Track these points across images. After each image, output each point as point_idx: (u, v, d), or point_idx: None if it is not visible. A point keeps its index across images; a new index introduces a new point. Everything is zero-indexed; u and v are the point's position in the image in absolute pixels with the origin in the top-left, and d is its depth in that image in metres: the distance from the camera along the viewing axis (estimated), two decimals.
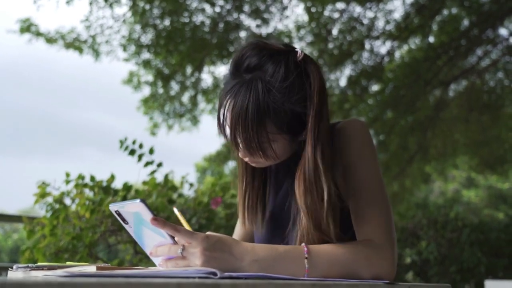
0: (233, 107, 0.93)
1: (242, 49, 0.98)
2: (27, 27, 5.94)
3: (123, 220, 0.85)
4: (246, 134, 0.93)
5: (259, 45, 0.98)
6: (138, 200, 0.79)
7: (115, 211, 0.84)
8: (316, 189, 0.93)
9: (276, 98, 0.92)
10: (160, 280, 0.50)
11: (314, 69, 0.98)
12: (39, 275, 0.83)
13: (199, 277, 0.66)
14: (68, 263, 1.03)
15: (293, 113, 0.95)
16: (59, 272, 0.72)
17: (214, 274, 0.68)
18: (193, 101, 7.44)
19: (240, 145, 0.97)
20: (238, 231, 1.26)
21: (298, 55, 0.98)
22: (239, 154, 1.02)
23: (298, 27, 6.69)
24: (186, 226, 0.95)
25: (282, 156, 1.01)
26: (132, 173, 2.65)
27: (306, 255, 0.83)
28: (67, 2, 5.30)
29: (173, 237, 0.82)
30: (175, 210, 0.99)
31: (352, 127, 1.04)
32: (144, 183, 2.65)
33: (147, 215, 0.79)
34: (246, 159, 1.04)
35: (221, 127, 0.98)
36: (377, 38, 6.83)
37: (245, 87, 0.93)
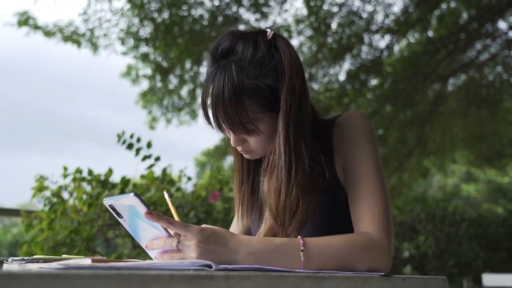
0: (212, 91, 0.97)
1: (218, 39, 1.02)
2: (25, 20, 5.91)
3: (118, 214, 0.85)
4: (226, 114, 0.96)
5: (231, 32, 1.03)
6: (131, 194, 0.78)
7: (109, 205, 0.84)
8: (283, 164, 0.96)
9: (250, 74, 0.96)
10: (153, 272, 0.50)
11: (284, 44, 1.01)
12: (33, 268, 0.83)
13: (194, 270, 0.66)
14: (64, 256, 1.03)
15: (270, 89, 0.98)
16: (54, 264, 0.72)
17: (209, 266, 0.68)
18: (192, 95, 7.43)
19: (224, 127, 1.00)
20: (235, 226, 1.27)
21: (267, 34, 1.02)
22: (231, 142, 1.04)
23: (297, 21, 6.67)
24: (174, 212, 0.95)
25: (270, 137, 1.01)
26: (130, 167, 2.65)
27: (302, 248, 0.83)
28: None
29: (168, 230, 0.81)
30: (166, 195, 0.98)
31: (352, 118, 1.05)
32: (142, 177, 2.65)
33: (141, 209, 0.79)
34: (239, 149, 1.05)
35: (205, 114, 1.02)
36: (376, 32, 6.81)
37: (220, 71, 0.97)
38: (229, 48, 0.99)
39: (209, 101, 0.99)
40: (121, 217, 0.85)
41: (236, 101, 0.95)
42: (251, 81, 0.96)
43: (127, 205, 0.82)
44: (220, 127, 1.01)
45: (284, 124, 0.97)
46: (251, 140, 1.03)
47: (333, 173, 1.04)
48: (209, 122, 1.03)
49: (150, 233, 0.84)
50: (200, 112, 1.08)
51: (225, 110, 0.96)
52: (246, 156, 1.07)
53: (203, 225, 0.82)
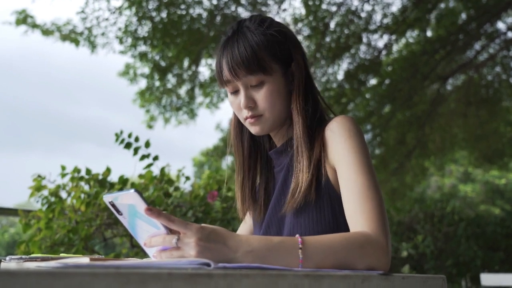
0: (227, 49, 1.09)
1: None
2: (23, 18, 5.90)
3: (117, 211, 0.85)
4: (241, 60, 1.06)
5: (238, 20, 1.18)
6: (132, 190, 0.78)
7: (109, 202, 0.84)
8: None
9: (259, 30, 1.09)
10: (151, 270, 0.49)
11: (286, 26, 1.16)
12: (31, 266, 0.82)
13: (192, 268, 0.66)
14: (62, 255, 1.03)
15: (277, 39, 1.09)
16: (52, 263, 0.72)
17: (208, 265, 0.68)
18: (190, 94, 7.42)
19: (239, 73, 1.07)
20: (241, 228, 1.32)
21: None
22: (241, 104, 1.10)
23: (296, 20, 6.67)
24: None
25: (279, 94, 1.09)
26: (128, 166, 2.64)
27: (300, 246, 0.83)
28: None
29: (167, 228, 0.81)
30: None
31: (340, 122, 1.07)
32: (140, 176, 2.64)
33: (141, 206, 0.79)
34: (249, 115, 1.10)
35: (219, 74, 1.11)
36: (375, 31, 6.81)
37: (233, 37, 1.10)
38: (239, 24, 1.12)
39: (225, 60, 1.09)
40: (121, 214, 0.85)
41: (251, 48, 1.06)
42: (262, 33, 1.08)
43: (127, 204, 0.82)
44: (235, 75, 1.07)
45: (300, 73, 1.11)
46: (260, 96, 1.08)
47: (324, 171, 1.06)
48: (223, 83, 1.11)
49: (148, 232, 0.84)
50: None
51: (241, 57, 1.06)
52: (253, 128, 1.12)
53: (203, 224, 0.82)
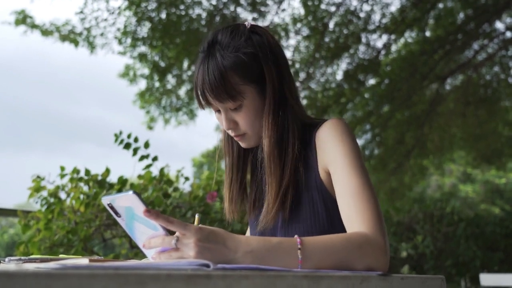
0: (199, 73, 1.07)
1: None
2: (22, 18, 5.89)
3: (116, 213, 0.85)
4: (211, 87, 1.04)
5: (214, 29, 1.16)
6: (130, 192, 0.78)
7: (108, 204, 0.83)
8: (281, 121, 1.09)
9: (230, 50, 1.06)
10: (150, 271, 0.49)
11: (263, 31, 1.12)
12: (30, 267, 0.82)
13: (191, 269, 0.66)
14: (62, 256, 1.03)
15: (250, 57, 1.06)
16: (52, 264, 0.72)
17: (207, 266, 0.68)
18: (190, 95, 7.42)
19: (212, 101, 1.07)
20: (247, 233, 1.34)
21: (246, 24, 1.12)
22: (223, 125, 1.11)
23: (295, 20, 6.67)
24: None
25: (257, 112, 1.09)
26: (128, 167, 2.64)
27: (299, 246, 0.83)
28: None
29: (166, 229, 0.81)
30: (196, 216, 1.01)
31: (332, 124, 1.08)
32: (140, 177, 2.64)
33: (140, 207, 0.79)
34: (233, 134, 1.12)
35: (198, 98, 1.10)
36: (374, 31, 6.82)
37: (206, 57, 1.08)
38: (212, 40, 1.09)
39: (197, 84, 1.08)
40: (119, 216, 0.85)
41: (220, 74, 1.04)
42: (231, 54, 1.05)
43: (125, 207, 0.82)
44: (208, 103, 1.08)
45: (271, 91, 1.08)
46: (240, 118, 1.09)
47: (317, 175, 1.07)
48: (202, 105, 1.11)
49: (147, 233, 0.83)
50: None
51: (211, 85, 1.04)
52: (241, 144, 1.15)
53: (201, 225, 0.83)
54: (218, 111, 1.12)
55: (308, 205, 1.07)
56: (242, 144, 1.15)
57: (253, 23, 1.14)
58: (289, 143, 1.09)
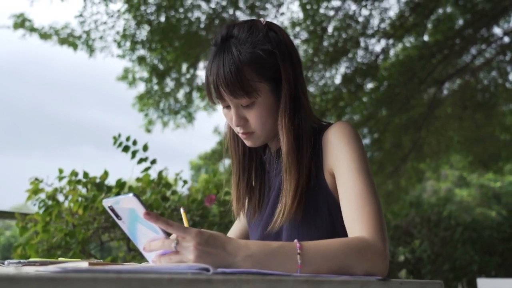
0: (213, 67, 1.05)
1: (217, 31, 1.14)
2: (21, 22, 5.89)
3: (117, 215, 0.85)
4: (226, 82, 1.03)
5: (228, 23, 1.15)
6: (131, 195, 0.78)
7: (109, 207, 0.83)
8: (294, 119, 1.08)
9: (247, 45, 1.04)
10: (152, 276, 0.50)
11: (278, 28, 1.12)
12: (30, 271, 0.82)
13: (192, 273, 0.66)
14: (61, 259, 1.03)
15: (267, 53, 1.05)
16: (51, 267, 0.72)
17: (207, 270, 0.68)
18: (188, 98, 7.42)
19: (226, 96, 1.05)
20: (234, 226, 1.33)
21: (262, 21, 1.11)
22: (233, 122, 1.09)
23: (293, 24, 6.69)
24: (186, 225, 0.95)
25: (269, 111, 1.08)
26: (126, 170, 2.64)
27: (298, 251, 0.83)
28: None
29: (166, 232, 0.81)
30: (181, 209, 1.00)
31: (339, 128, 1.07)
32: (138, 180, 2.64)
33: (140, 210, 0.79)
34: (241, 131, 1.10)
35: (209, 93, 1.09)
36: (372, 36, 6.84)
37: (221, 51, 1.06)
38: (227, 34, 1.07)
39: (211, 78, 1.06)
40: (120, 219, 0.85)
41: (236, 69, 1.02)
42: (249, 50, 1.04)
43: (127, 208, 0.81)
44: (220, 98, 1.06)
45: (287, 90, 1.06)
46: (251, 116, 1.07)
47: (322, 177, 1.07)
48: (212, 100, 1.09)
49: (148, 236, 0.83)
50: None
51: (226, 79, 1.02)
52: (247, 142, 1.12)
53: (202, 229, 0.83)
54: (227, 107, 1.10)
55: (313, 208, 1.07)
56: (248, 143, 1.13)
57: (268, 20, 1.13)
58: (304, 143, 1.08)
